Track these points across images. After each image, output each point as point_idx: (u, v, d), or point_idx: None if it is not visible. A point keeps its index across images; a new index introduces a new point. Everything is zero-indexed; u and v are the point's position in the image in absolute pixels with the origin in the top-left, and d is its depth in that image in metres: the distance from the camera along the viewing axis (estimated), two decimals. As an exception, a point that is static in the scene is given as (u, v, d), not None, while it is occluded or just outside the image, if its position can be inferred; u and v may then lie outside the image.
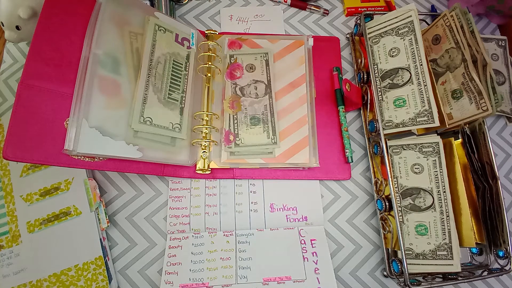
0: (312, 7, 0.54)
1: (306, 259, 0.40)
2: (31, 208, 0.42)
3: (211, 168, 0.43)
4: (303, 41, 0.48)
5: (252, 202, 0.43)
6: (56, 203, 0.42)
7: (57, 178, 0.42)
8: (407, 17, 0.42)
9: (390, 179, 0.39)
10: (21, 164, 0.43)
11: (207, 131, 0.43)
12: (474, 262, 0.42)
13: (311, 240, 0.41)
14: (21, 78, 0.34)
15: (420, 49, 0.41)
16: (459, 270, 0.36)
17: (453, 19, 0.41)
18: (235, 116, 0.44)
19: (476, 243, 0.40)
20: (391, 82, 0.42)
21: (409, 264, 0.38)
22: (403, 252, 0.37)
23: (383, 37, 0.44)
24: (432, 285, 0.37)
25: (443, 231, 0.37)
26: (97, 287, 0.39)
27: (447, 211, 0.38)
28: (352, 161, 0.45)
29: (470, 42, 0.39)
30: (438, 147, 0.39)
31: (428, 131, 0.43)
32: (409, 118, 0.40)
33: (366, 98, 0.46)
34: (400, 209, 0.40)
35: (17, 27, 0.42)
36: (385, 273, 0.40)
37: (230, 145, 0.43)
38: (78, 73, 0.36)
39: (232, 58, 0.47)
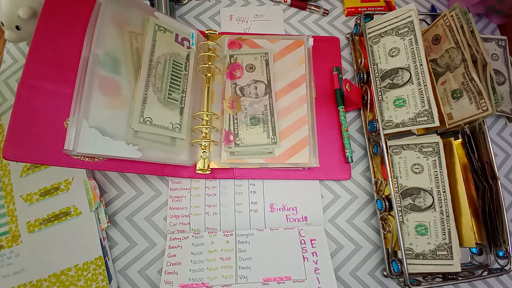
0: (312, 7, 0.54)
1: (306, 259, 0.40)
2: (31, 208, 0.42)
3: (211, 168, 0.43)
4: (303, 41, 0.48)
5: (252, 202, 0.43)
6: (56, 203, 0.42)
7: (57, 178, 0.42)
8: (407, 17, 0.42)
9: (390, 179, 0.39)
10: (21, 164, 0.43)
11: (207, 131, 0.43)
12: (474, 262, 0.42)
13: (311, 240, 0.41)
14: (21, 78, 0.34)
15: (420, 49, 0.41)
16: (459, 270, 0.36)
17: (453, 19, 0.41)
18: (235, 116, 0.44)
19: (476, 243, 0.40)
20: (391, 82, 0.42)
21: (409, 264, 0.38)
22: (403, 252, 0.37)
23: (383, 37, 0.44)
24: (432, 285, 0.37)
25: (443, 231, 0.37)
26: (97, 287, 0.39)
27: (447, 211, 0.38)
28: (352, 161, 0.45)
29: (470, 42, 0.39)
30: (438, 147, 0.39)
31: (428, 131, 0.43)
32: (409, 118, 0.40)
33: (366, 98, 0.46)
34: (400, 209, 0.40)
35: (17, 27, 0.42)
36: (385, 273, 0.40)
37: (230, 145, 0.43)
38: (78, 73, 0.36)
39: (232, 58, 0.47)
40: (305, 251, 0.40)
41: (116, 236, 0.42)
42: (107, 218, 0.41)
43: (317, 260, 0.40)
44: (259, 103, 0.45)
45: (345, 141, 0.45)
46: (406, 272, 0.36)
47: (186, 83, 0.44)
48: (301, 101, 0.45)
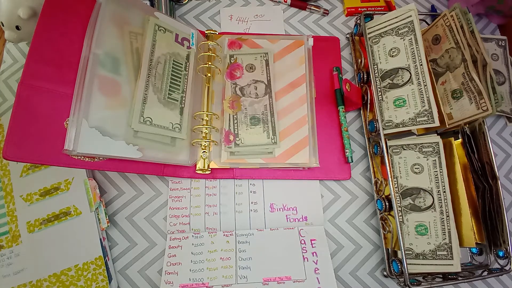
0: (312, 7, 0.54)
1: (306, 259, 0.40)
2: (31, 208, 0.42)
3: (211, 168, 0.43)
4: (303, 41, 0.48)
5: (252, 202, 0.43)
6: (56, 203, 0.41)
7: (57, 178, 0.42)
8: (407, 17, 0.42)
9: (390, 179, 0.39)
10: (21, 164, 0.43)
11: (207, 131, 0.43)
12: (474, 262, 0.42)
13: (311, 240, 0.41)
14: (21, 78, 0.34)
15: (420, 49, 0.41)
16: (459, 270, 0.36)
17: (453, 19, 0.41)
18: (235, 116, 0.44)
19: (476, 243, 0.40)
20: (391, 82, 0.42)
21: (409, 264, 0.38)
22: (403, 252, 0.37)
23: (383, 37, 0.44)
24: (432, 285, 0.37)
25: (443, 231, 0.37)
26: (97, 287, 0.39)
27: (447, 211, 0.38)
28: (352, 161, 0.45)
29: (470, 42, 0.39)
30: (438, 147, 0.39)
31: (428, 131, 0.43)
32: (409, 118, 0.40)
33: (366, 98, 0.46)
34: (400, 209, 0.40)
35: (17, 27, 0.42)
36: (385, 273, 0.40)
37: (230, 145, 0.43)
38: (78, 73, 0.36)
39: (232, 58, 0.47)
40: (305, 251, 0.40)
41: (116, 236, 0.42)
42: (107, 218, 0.41)
43: (317, 260, 0.40)
44: (259, 103, 0.45)
45: (345, 141, 0.45)
46: (406, 272, 0.36)
47: (186, 83, 0.44)
48: (301, 101, 0.45)
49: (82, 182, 0.42)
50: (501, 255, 0.38)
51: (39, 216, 0.41)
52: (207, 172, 0.43)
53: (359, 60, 0.48)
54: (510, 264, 0.37)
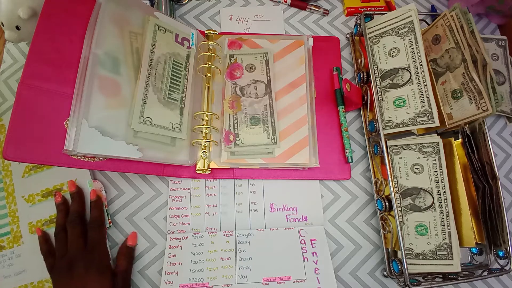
0: (312, 7, 0.54)
1: (306, 259, 0.40)
2: (33, 209, 0.42)
3: (211, 168, 0.43)
4: (303, 41, 0.48)
5: (252, 202, 0.43)
6: (57, 203, 0.42)
7: (60, 179, 0.43)
8: (407, 17, 0.42)
9: (390, 179, 0.39)
10: (23, 164, 0.43)
11: (207, 131, 0.43)
12: (474, 262, 0.42)
13: (311, 240, 0.41)
14: (21, 78, 0.34)
15: (420, 49, 0.41)
16: (459, 270, 0.36)
17: (453, 19, 0.41)
18: (235, 116, 0.44)
19: (476, 243, 0.40)
20: (391, 82, 0.42)
21: (409, 264, 0.38)
22: (403, 252, 0.37)
23: (383, 37, 0.44)
24: (432, 285, 0.37)
25: (443, 231, 0.37)
26: (97, 287, 0.39)
27: (447, 211, 0.38)
28: (352, 161, 0.45)
29: (470, 42, 0.39)
30: (438, 147, 0.39)
31: (428, 131, 0.43)
32: (409, 118, 0.40)
33: (366, 98, 0.46)
34: (400, 209, 0.40)
35: (17, 27, 0.42)
36: (385, 273, 0.40)
37: (230, 145, 0.43)
38: (78, 73, 0.36)
39: (232, 58, 0.47)
40: (305, 251, 0.40)
41: (116, 236, 0.42)
42: (109, 218, 0.41)
43: (317, 260, 0.40)
44: (259, 103, 0.45)
45: (345, 141, 0.45)
46: (406, 272, 0.36)
47: (186, 83, 0.44)
48: (301, 101, 0.45)
49: (85, 183, 0.42)
50: (501, 255, 0.38)
51: (41, 217, 0.41)
52: (207, 172, 0.43)
53: (359, 60, 0.48)
54: (510, 264, 0.37)
